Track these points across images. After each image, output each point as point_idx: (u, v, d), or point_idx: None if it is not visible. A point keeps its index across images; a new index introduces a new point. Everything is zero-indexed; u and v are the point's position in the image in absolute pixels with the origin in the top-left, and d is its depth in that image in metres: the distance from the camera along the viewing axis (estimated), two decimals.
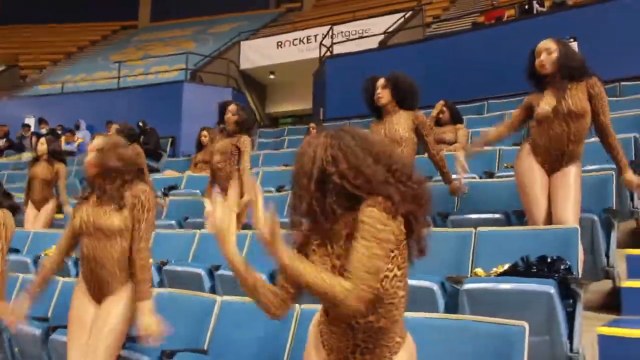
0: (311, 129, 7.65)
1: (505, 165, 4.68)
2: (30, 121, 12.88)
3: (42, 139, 6.49)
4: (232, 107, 4.93)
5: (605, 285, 3.49)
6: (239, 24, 18.82)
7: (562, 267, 2.73)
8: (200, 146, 7.69)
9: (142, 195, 2.74)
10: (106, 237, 2.75)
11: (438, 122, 6.11)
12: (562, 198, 3.18)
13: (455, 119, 6.12)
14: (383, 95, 3.96)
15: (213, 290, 3.85)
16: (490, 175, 4.53)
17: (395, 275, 1.64)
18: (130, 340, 2.92)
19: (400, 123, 3.89)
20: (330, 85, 10.73)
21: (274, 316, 1.77)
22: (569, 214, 3.14)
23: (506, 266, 2.91)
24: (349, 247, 1.63)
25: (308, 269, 1.58)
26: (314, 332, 1.83)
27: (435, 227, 3.80)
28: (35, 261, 5.14)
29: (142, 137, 9.84)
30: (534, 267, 2.74)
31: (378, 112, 4.06)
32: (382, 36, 11.72)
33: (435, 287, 2.82)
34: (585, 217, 3.31)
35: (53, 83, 16.09)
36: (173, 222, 5.51)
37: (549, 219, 3.24)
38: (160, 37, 19.97)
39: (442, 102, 6.09)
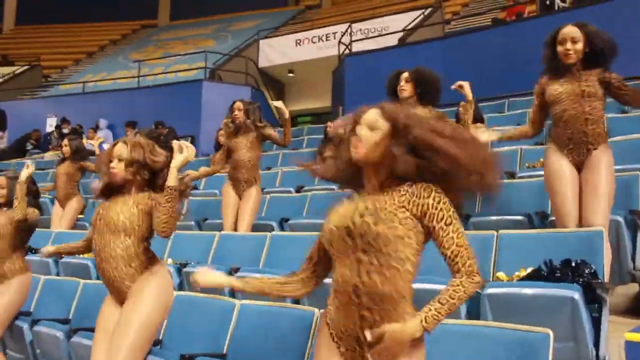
0: (329, 127, 7.62)
1: (527, 165, 4.60)
2: (52, 121, 13.03)
3: (65, 141, 6.67)
4: (237, 104, 5.02)
5: (632, 288, 3.41)
6: (258, 21, 18.84)
7: (586, 271, 2.67)
8: (218, 146, 7.71)
9: (159, 198, 2.72)
10: (111, 232, 2.73)
11: (458, 121, 6.04)
12: (591, 200, 3.08)
13: (477, 118, 6.03)
14: (406, 88, 3.96)
15: (233, 292, 3.84)
16: (512, 175, 4.45)
17: (412, 246, 1.71)
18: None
19: None
20: (349, 83, 10.67)
21: (303, 296, 1.97)
22: (598, 217, 3.05)
23: (529, 270, 2.86)
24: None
25: (445, 305, 1.65)
26: (323, 331, 1.84)
27: None
28: (57, 262, 5.19)
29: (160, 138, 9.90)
30: (558, 272, 2.68)
31: None
32: (401, 34, 11.64)
33: None
34: (611, 218, 3.23)
35: (74, 83, 16.26)
36: (192, 223, 5.53)
37: (579, 219, 3.15)
38: (179, 36, 20.08)
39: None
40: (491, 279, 2.97)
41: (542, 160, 4.54)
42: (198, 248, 4.63)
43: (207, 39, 18.89)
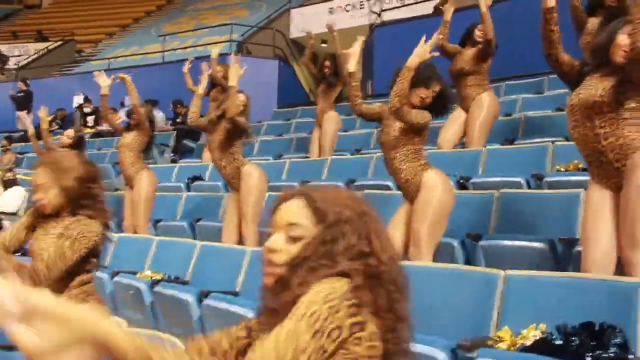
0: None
1: (558, 168, 3.79)
2: (79, 99, 12.78)
3: (69, 131, 6.43)
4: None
5: None
6: None
7: (613, 339, 2.01)
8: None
9: None
10: None
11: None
12: (622, 232, 2.42)
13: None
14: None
15: (201, 320, 3.34)
16: (539, 178, 3.70)
17: None
18: None
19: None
20: (378, 56, 9.93)
21: None
22: (627, 250, 2.39)
23: (540, 328, 2.21)
24: None
25: None
26: None
27: (456, 261, 3.09)
28: None
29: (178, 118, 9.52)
30: (575, 340, 2.03)
31: None
32: (437, 0, 10.73)
33: (442, 357, 2.17)
34: None
35: (104, 58, 15.97)
36: (185, 223, 5.02)
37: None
38: (215, 5, 19.45)
39: None
40: (492, 335, 2.33)
41: (576, 161, 3.81)
42: (180, 259, 4.13)
43: (242, 9, 18.19)
